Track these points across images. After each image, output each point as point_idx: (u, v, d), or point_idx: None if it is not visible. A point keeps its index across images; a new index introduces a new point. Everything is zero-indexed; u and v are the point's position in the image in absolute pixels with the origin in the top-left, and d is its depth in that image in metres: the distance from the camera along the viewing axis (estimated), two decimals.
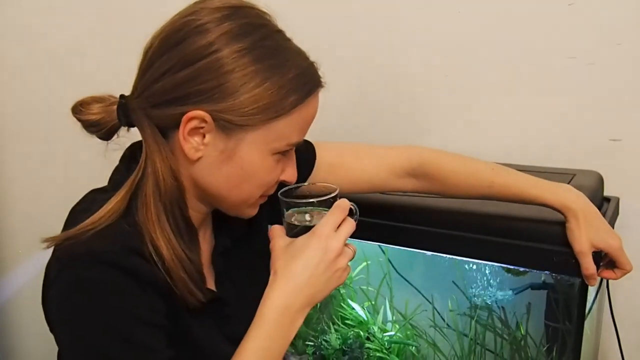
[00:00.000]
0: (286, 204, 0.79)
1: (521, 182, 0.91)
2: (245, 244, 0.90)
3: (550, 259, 0.92)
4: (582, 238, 0.86)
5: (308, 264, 0.73)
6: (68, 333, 0.69)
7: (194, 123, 0.72)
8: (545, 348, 1.08)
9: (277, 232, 0.79)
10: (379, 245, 1.24)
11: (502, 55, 1.33)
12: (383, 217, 1.08)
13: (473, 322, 1.18)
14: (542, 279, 1.07)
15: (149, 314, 0.70)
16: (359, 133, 1.56)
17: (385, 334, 1.29)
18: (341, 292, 1.34)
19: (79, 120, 0.77)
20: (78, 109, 0.77)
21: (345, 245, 0.76)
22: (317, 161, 0.96)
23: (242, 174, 0.75)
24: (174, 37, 0.72)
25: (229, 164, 0.74)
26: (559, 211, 0.89)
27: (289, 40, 0.76)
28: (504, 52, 1.33)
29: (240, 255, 0.88)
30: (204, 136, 0.73)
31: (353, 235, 1.01)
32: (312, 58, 0.78)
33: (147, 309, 0.70)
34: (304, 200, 0.78)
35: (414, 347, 1.27)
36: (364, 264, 1.31)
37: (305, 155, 0.95)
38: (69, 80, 1.61)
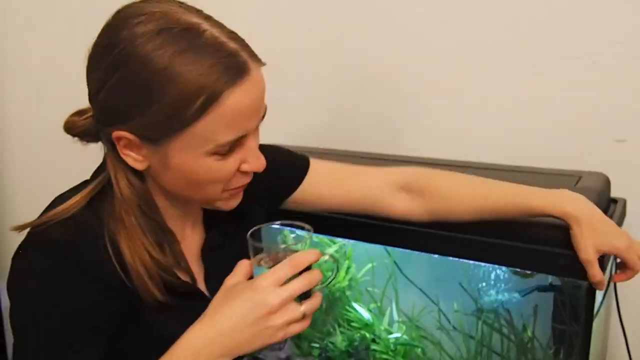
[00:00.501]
0: (252, 247, 0.74)
1: (518, 192, 0.90)
2: (238, 241, 0.88)
3: (555, 262, 0.91)
4: (587, 245, 0.84)
5: (235, 313, 0.69)
6: (14, 314, 0.71)
7: (123, 141, 0.73)
8: (552, 350, 1.08)
9: (237, 269, 0.75)
10: (385, 247, 1.24)
11: (505, 55, 1.32)
12: (388, 220, 1.07)
13: (480, 324, 1.17)
14: (549, 281, 1.06)
15: (89, 310, 0.71)
16: (355, 133, 1.56)
17: (390, 336, 1.28)
18: (346, 294, 1.33)
19: (74, 136, 0.78)
20: (67, 129, 0.78)
21: (300, 302, 0.71)
22: (310, 173, 0.96)
23: (187, 178, 0.74)
24: (93, 59, 0.73)
25: (171, 170, 0.74)
26: (560, 219, 0.87)
27: (198, 36, 0.69)
28: (507, 52, 1.32)
29: (231, 252, 0.86)
30: (140, 148, 0.73)
31: (358, 238, 1.01)
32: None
33: (88, 305, 0.71)
34: (269, 245, 0.73)
35: (419, 349, 1.26)
36: (370, 265, 1.31)
37: (297, 166, 0.96)
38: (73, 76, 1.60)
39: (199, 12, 0.73)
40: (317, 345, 1.37)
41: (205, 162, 0.72)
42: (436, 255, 1.04)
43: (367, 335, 1.30)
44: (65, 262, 0.69)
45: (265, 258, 0.73)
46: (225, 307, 0.70)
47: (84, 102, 0.80)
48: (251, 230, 0.75)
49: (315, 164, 0.97)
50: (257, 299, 0.69)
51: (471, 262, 1.07)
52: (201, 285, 0.84)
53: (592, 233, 0.85)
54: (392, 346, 1.27)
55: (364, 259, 1.32)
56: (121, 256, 0.72)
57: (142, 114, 0.70)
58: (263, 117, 0.77)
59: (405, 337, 1.28)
